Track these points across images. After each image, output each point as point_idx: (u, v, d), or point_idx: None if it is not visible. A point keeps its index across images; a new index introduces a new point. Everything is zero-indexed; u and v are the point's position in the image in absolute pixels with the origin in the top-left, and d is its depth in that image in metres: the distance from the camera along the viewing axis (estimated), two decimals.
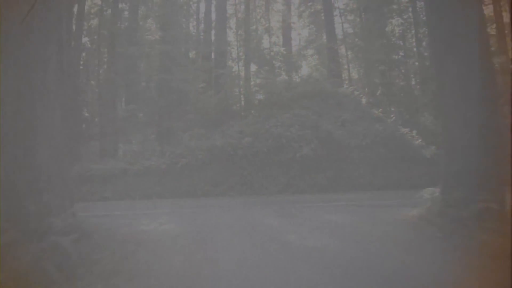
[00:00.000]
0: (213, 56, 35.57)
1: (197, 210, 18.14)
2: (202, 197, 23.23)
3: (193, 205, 20.18)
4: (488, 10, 27.85)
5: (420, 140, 25.82)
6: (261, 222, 14.58)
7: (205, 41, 36.80)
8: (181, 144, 27.04)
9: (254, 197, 22.15)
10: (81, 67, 34.68)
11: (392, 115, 29.57)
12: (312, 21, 42.95)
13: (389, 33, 34.46)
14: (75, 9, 31.63)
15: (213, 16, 36.43)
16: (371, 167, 24.39)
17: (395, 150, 24.83)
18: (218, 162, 25.09)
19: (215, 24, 36.10)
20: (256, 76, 34.99)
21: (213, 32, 36.22)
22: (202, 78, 34.40)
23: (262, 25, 41.82)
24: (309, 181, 23.73)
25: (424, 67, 31.33)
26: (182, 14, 37.42)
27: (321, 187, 23.42)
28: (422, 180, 19.17)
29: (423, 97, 31.79)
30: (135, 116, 32.78)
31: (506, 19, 27.68)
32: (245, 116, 29.51)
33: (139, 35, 35.12)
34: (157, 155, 27.26)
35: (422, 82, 32.26)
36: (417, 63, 34.98)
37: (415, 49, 36.06)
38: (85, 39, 35.27)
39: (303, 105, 28.40)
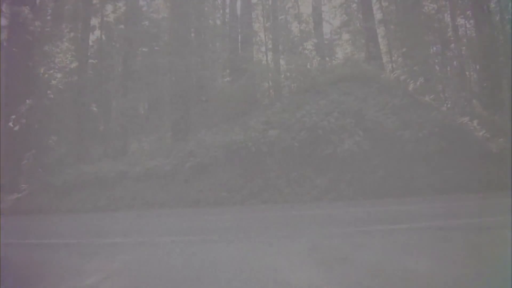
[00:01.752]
0: (239, 40, 31.93)
1: (201, 234, 12.86)
2: (215, 206, 18.06)
3: (199, 221, 15.02)
4: None
5: (484, 132, 21.30)
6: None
7: (229, 27, 32.12)
8: (193, 140, 22.05)
9: (282, 208, 16.76)
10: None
11: (447, 102, 26.32)
12: (345, 5, 39.36)
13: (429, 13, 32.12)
14: None
15: (239, 3, 33.35)
16: (430, 164, 18.92)
17: (457, 144, 20.17)
18: (237, 161, 20.05)
19: (240, 12, 33.01)
20: (286, 63, 31.49)
21: (238, 20, 32.68)
22: (224, 64, 29.66)
23: (291, 13, 39.62)
24: (355, 185, 18.37)
25: (479, 50, 28.41)
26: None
27: (370, 192, 17.91)
28: (494, 180, 17.59)
29: (481, 82, 28.78)
30: (136, 108, 28.13)
31: None
32: (273, 105, 24.21)
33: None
34: (164, 154, 22.28)
35: (483, 67, 28.80)
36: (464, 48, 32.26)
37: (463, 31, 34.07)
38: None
39: (341, 90, 23.31)
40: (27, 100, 24.83)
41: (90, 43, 31.38)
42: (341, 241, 9.91)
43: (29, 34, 25.62)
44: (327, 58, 32.26)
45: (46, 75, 27.39)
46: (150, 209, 18.84)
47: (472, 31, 33.74)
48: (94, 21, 31.13)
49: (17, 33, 25.51)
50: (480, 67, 31.37)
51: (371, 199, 17.73)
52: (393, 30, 34.37)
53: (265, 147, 19.93)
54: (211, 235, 11.30)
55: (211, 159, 20.15)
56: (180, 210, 18.16)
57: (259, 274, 7.51)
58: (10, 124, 24.13)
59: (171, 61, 26.41)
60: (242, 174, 19.58)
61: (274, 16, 35.16)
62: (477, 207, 14.43)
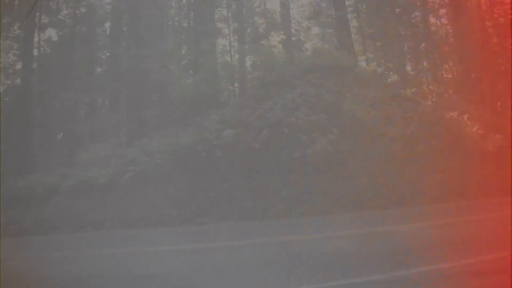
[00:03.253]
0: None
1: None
2: (158, 226, 14.42)
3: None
4: None
5: (476, 127, 18.95)
6: None
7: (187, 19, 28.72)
8: (137, 145, 18.45)
9: (241, 228, 13.27)
10: None
11: (431, 96, 23.59)
12: None
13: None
14: None
15: None
16: (422, 167, 15.52)
17: (449, 141, 17.73)
18: (185, 169, 16.33)
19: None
20: (251, 54, 27.90)
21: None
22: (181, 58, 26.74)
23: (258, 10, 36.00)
24: (330, 195, 14.82)
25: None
26: None
27: (349, 204, 14.46)
28: (496, 183, 15.78)
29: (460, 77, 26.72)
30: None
31: None
32: (233, 101, 20.73)
33: None
34: (102, 162, 18.53)
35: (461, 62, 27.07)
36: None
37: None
38: None
39: (312, 81, 20.06)
40: None
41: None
42: None
43: None
44: (295, 50, 29.50)
45: None
46: (82, 232, 15.20)
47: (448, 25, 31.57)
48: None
49: None
50: (458, 62, 28.87)
51: (351, 212, 14.33)
52: (366, 20, 32.18)
53: (219, 151, 16.40)
54: None
55: (155, 168, 16.51)
56: (117, 232, 14.52)
57: None
58: None
59: (114, 54, 22.59)
60: (191, 185, 15.99)
61: (238, 9, 31.88)
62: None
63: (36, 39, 25.99)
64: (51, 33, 27.28)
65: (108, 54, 23.82)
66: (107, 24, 26.63)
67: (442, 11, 31.18)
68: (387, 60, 28.61)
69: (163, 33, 28.78)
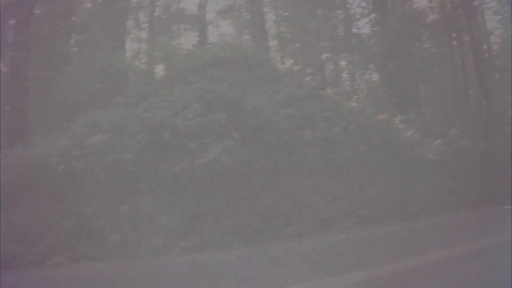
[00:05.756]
0: None
1: None
2: None
3: None
4: None
5: (412, 131, 16.45)
6: None
7: None
8: None
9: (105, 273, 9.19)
10: None
11: (356, 96, 22.32)
12: None
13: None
14: None
15: None
16: (348, 179, 11.77)
17: (381, 148, 14.42)
18: (35, 190, 12.00)
19: None
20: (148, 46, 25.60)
21: None
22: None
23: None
24: (226, 222, 10.87)
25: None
26: None
27: (252, 234, 10.55)
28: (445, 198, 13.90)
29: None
30: None
31: None
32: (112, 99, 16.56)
33: None
34: None
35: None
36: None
37: None
38: None
39: (212, 76, 16.11)
40: None
41: None
42: None
43: None
44: (200, 41, 26.66)
45: None
46: None
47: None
48: None
49: None
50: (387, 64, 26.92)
51: (256, 244, 10.36)
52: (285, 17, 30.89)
53: (80, 164, 11.93)
54: None
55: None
56: None
57: None
58: None
59: None
60: (39, 212, 11.47)
61: None
62: None
63: None
64: None
65: None
66: None
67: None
68: (306, 58, 26.70)
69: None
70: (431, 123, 18.81)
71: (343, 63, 30.36)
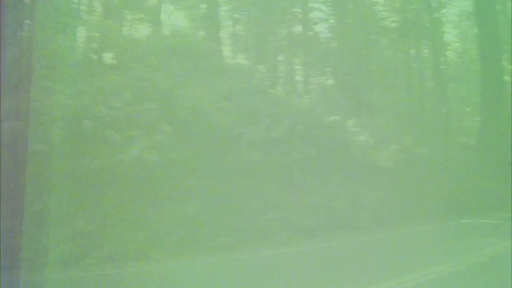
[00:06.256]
0: None
1: None
2: None
3: None
4: None
5: (366, 136, 15.65)
6: None
7: None
8: None
9: None
10: None
11: (307, 96, 21.16)
12: None
13: None
14: None
15: None
16: (293, 186, 10.46)
17: (331, 152, 13.20)
18: None
19: None
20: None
21: None
22: None
23: None
24: (152, 233, 9.54)
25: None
26: None
27: (183, 248, 9.19)
28: (404, 209, 12.94)
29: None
30: None
31: None
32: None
33: None
34: None
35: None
36: None
37: None
38: None
39: (153, 64, 14.66)
40: None
41: None
42: None
43: None
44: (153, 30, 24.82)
45: None
46: None
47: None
48: None
49: None
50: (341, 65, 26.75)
51: (175, 256, 8.95)
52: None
53: None
54: None
55: None
56: None
57: None
58: None
59: None
60: None
61: None
62: None
63: None
64: None
65: None
66: None
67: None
68: (259, 55, 25.95)
69: None
70: (387, 129, 17.73)
71: (299, 64, 29.33)
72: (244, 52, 25.82)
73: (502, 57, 23.85)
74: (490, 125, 22.30)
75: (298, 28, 29.27)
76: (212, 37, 23.36)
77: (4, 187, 10.39)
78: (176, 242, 9.43)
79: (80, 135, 10.68)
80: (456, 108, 30.11)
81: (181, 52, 16.43)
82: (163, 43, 17.26)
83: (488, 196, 17.00)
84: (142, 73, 13.73)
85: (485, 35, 23.74)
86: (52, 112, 11.41)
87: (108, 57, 17.14)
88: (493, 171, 18.93)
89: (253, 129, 11.35)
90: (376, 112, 22.08)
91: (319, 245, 9.89)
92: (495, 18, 23.95)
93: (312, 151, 11.67)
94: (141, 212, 9.87)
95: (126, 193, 10.05)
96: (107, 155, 10.21)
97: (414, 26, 27.52)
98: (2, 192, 10.33)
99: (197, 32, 25.86)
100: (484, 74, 23.88)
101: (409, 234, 11.77)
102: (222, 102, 12.19)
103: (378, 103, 23.94)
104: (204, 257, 9.10)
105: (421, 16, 27.94)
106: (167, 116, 11.28)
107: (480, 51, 24.78)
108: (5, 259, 9.12)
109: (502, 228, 12.43)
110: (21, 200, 10.27)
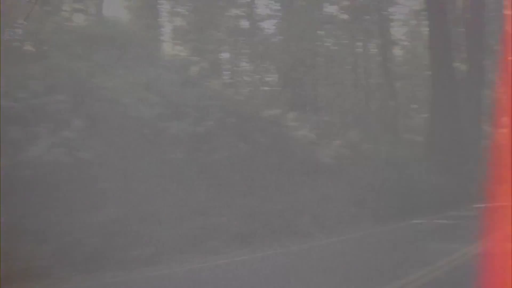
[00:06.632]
0: None
1: None
2: None
3: None
4: None
5: (307, 130, 14.52)
6: None
7: None
8: None
9: None
10: None
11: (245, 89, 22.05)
12: None
13: None
14: None
15: None
16: (223, 187, 9.23)
17: (268, 148, 12.15)
18: None
19: None
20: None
21: None
22: None
23: None
24: (55, 242, 8.32)
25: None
26: None
27: (91, 257, 7.96)
28: (348, 211, 11.96)
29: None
30: None
31: None
32: None
33: None
34: None
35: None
36: None
37: None
38: None
39: (78, 53, 13.59)
40: None
41: None
42: None
43: None
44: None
45: None
46: None
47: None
48: None
49: None
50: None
51: (84, 272, 7.61)
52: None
53: None
54: None
55: None
56: None
57: None
58: None
59: None
60: None
61: None
62: None
63: None
64: None
65: None
66: None
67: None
68: (197, 47, 25.72)
69: None
70: (330, 124, 16.68)
71: (240, 57, 29.47)
72: (182, 44, 25.37)
73: (450, 54, 23.62)
74: (438, 121, 21.97)
75: (243, 22, 28.99)
76: (150, 28, 22.93)
77: None
78: (84, 257, 8.06)
79: None
80: (403, 104, 30.07)
81: (110, 41, 15.17)
82: (92, 32, 15.99)
83: (439, 194, 16.16)
84: (60, 61, 12.32)
85: (434, 33, 23.55)
86: None
87: (28, 45, 15.84)
88: (442, 168, 18.28)
89: (179, 124, 10.05)
90: (320, 107, 21.61)
91: (253, 255, 8.63)
92: (445, 16, 23.80)
93: (245, 147, 10.49)
94: (45, 223, 8.44)
95: (26, 200, 8.60)
96: (4, 155, 8.74)
97: (362, 23, 27.42)
98: None
99: (135, 22, 25.06)
100: (433, 71, 23.81)
101: (354, 240, 10.49)
102: (146, 93, 10.84)
103: (322, 98, 23.74)
104: (116, 273, 7.78)
105: (369, 13, 27.74)
106: (80, 109, 9.87)
107: (429, 49, 24.66)
108: None
109: (458, 230, 11.55)
110: None
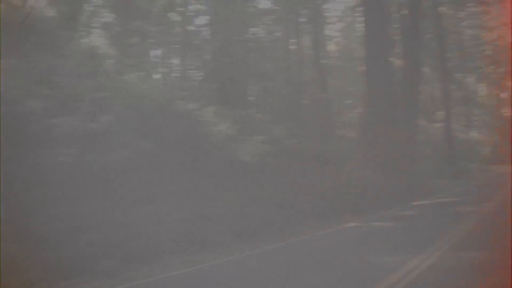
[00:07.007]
0: None
1: None
2: None
3: None
4: None
5: (227, 126, 13.57)
6: None
7: None
8: None
9: None
10: None
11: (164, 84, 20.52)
12: None
13: None
14: None
15: None
16: (123, 191, 7.86)
17: (177, 145, 10.80)
18: None
19: None
20: None
21: None
22: None
23: None
24: None
25: None
26: None
27: None
28: (272, 215, 10.56)
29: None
30: None
31: None
32: None
33: None
34: None
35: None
36: None
37: None
38: None
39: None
40: None
41: None
42: None
43: None
44: None
45: None
46: None
47: None
48: None
49: None
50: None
51: None
52: None
53: None
54: None
55: None
56: None
57: None
58: None
59: None
60: None
61: None
62: None
63: None
64: None
65: None
66: None
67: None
68: (117, 39, 24.19)
69: None
70: (255, 120, 15.44)
71: (165, 52, 28.58)
72: (100, 36, 23.42)
73: (385, 51, 23.43)
74: (372, 117, 21.60)
75: (172, 17, 28.25)
76: (66, 17, 20.39)
77: None
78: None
79: None
80: (337, 100, 29.63)
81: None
82: None
83: (374, 192, 14.83)
84: None
85: (369, 29, 23.51)
86: None
87: None
88: (377, 165, 17.34)
89: (70, 119, 8.50)
90: (246, 102, 20.67)
91: (153, 277, 7.13)
92: (380, 12, 23.68)
93: (149, 145, 9.02)
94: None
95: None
96: None
97: (295, 18, 27.25)
98: None
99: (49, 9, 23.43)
100: (368, 66, 23.68)
101: (279, 251, 8.84)
102: (34, 86, 9.23)
103: (250, 93, 23.03)
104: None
105: (302, 9, 27.73)
106: None
107: (364, 45, 24.69)
108: None
109: (399, 233, 10.31)
110: None
